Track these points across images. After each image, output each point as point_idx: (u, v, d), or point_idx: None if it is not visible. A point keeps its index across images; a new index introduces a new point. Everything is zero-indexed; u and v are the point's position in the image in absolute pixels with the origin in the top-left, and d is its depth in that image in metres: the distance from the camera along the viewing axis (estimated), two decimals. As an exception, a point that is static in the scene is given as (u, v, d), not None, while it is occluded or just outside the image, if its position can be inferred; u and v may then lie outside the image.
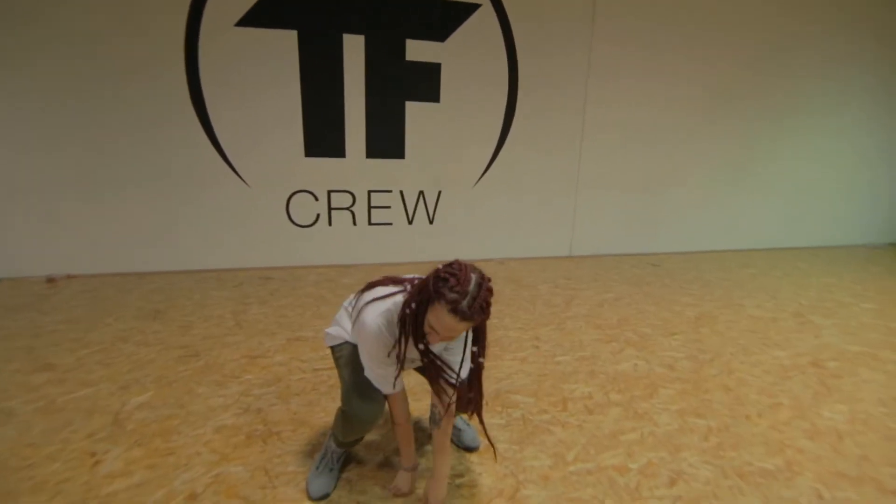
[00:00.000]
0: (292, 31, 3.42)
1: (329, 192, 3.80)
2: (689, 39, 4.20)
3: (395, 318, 1.22)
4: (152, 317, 2.79)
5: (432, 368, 1.25)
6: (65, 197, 3.40)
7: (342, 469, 1.52)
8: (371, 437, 1.70)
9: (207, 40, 3.34)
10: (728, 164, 4.69)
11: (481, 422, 1.33)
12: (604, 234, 4.57)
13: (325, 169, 3.73)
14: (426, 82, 3.76)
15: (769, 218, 5.00)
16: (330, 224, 3.86)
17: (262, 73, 3.47)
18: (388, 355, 1.25)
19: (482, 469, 1.55)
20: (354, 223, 3.90)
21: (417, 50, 3.68)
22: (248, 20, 3.35)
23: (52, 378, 2.08)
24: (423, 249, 4.10)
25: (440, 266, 1.13)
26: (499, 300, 3.21)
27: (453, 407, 1.32)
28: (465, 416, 1.71)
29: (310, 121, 3.62)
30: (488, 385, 2.07)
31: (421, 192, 4.01)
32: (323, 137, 3.69)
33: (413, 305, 1.14)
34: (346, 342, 1.40)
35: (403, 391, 1.35)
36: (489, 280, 1.13)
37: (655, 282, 3.81)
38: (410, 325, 1.15)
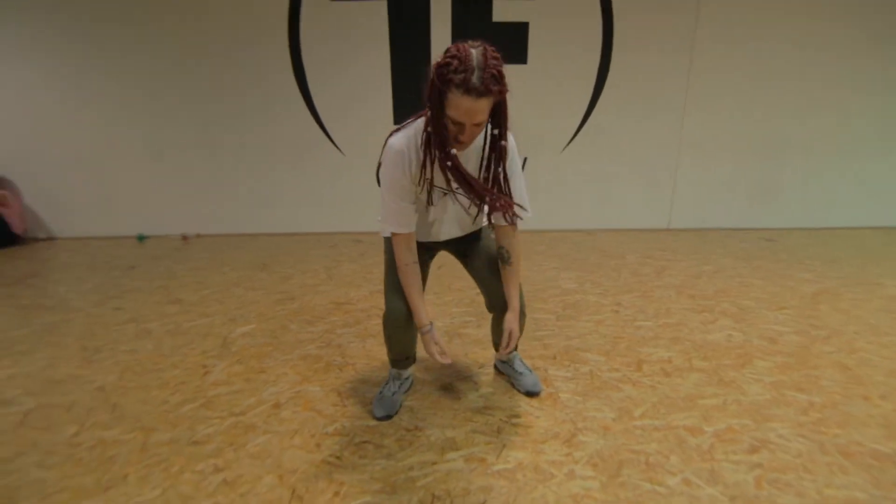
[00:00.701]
0: (382, 1, 3.55)
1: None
2: None
3: (420, 140, 1.21)
4: (259, 268, 3.15)
5: (464, 184, 1.21)
6: (195, 166, 3.95)
7: (406, 397, 1.62)
8: (431, 373, 1.77)
9: (307, 16, 3.60)
10: (870, 126, 3.93)
11: (511, 212, 1.31)
12: (709, 206, 4.14)
13: (412, 137, 3.86)
14: (513, 43, 3.67)
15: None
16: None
17: (355, 44, 3.66)
18: (411, 183, 1.26)
19: (541, 413, 1.54)
20: (439, 190, 4.00)
21: (505, 9, 3.60)
22: (343, -5, 3.54)
23: (180, 309, 2.46)
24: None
25: (433, 68, 1.09)
26: (580, 267, 3.10)
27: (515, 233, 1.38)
28: (515, 353, 1.72)
29: (398, 89, 3.76)
30: (557, 342, 2.04)
31: (506, 159, 3.97)
32: (411, 106, 3.79)
33: (430, 113, 1.12)
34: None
35: (413, 235, 1.35)
36: (493, 49, 1.08)
37: (769, 257, 3.37)
38: (434, 134, 1.13)
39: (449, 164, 1.17)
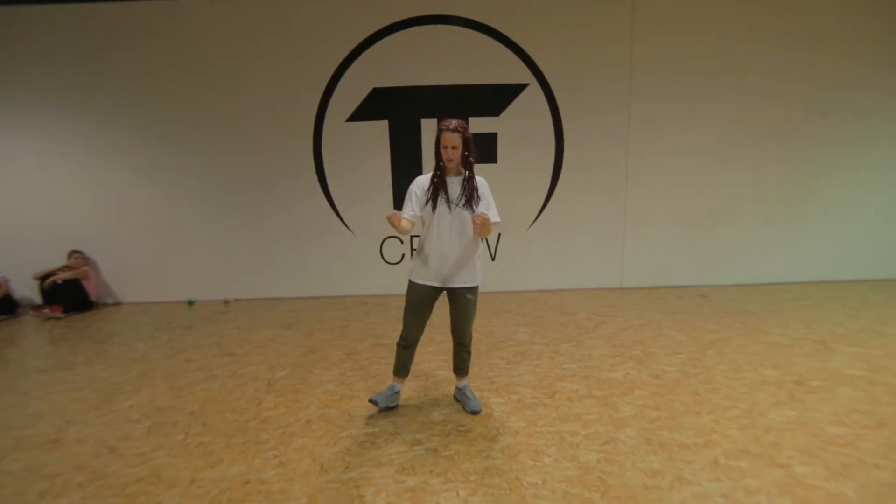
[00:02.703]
0: (385, 121, 4.69)
1: (412, 238, 4.92)
2: (731, 85, 4.64)
3: (431, 176, 2.35)
4: (287, 328, 4.07)
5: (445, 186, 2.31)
6: (235, 242, 4.98)
7: (392, 413, 2.47)
8: (412, 400, 2.62)
9: (328, 131, 4.74)
10: (783, 197, 4.87)
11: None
12: (654, 267, 5.03)
13: (408, 219, 4.88)
14: (486, 148, 4.74)
15: (833, 247, 4.98)
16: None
17: (363, 152, 4.76)
18: (421, 194, 2.33)
19: (476, 424, 2.38)
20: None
21: (478, 123, 4.70)
22: (355, 116, 4.69)
23: (233, 360, 3.37)
24: (487, 282, 4.96)
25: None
26: (537, 323, 3.96)
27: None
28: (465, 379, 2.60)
29: (397, 183, 4.81)
30: (502, 379, 2.89)
31: (484, 234, 4.95)
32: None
33: (435, 152, 2.33)
34: (410, 280, 2.43)
35: (412, 222, 2.31)
36: (461, 121, 2.28)
37: (693, 311, 4.21)
38: (436, 160, 2.32)
39: (438, 173, 2.30)
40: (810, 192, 4.88)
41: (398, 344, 2.49)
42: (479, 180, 2.35)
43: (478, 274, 2.41)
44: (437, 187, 2.30)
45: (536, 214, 4.92)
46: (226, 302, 5.00)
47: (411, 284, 2.41)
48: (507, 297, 4.80)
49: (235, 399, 2.75)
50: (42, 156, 4.81)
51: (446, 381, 2.88)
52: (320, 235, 4.95)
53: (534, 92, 4.68)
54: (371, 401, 2.49)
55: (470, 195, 2.29)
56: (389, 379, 2.69)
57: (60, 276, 4.73)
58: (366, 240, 4.95)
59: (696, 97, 4.68)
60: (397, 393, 2.55)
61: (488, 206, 2.33)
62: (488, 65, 4.62)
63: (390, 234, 4.93)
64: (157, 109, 4.72)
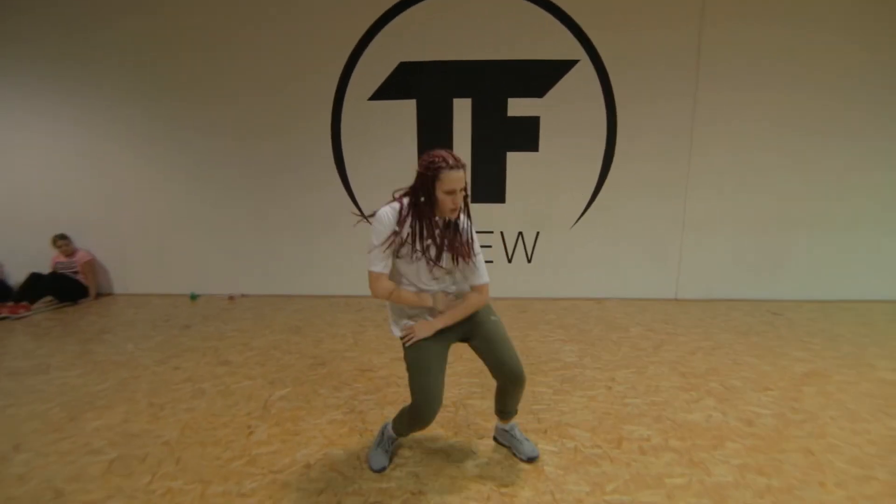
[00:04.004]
0: (412, 100, 4.12)
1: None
2: (814, 80, 3.94)
3: (398, 211, 1.70)
4: (294, 331, 3.57)
5: (454, 235, 1.71)
6: (243, 233, 4.51)
7: (413, 464, 1.92)
8: (436, 442, 2.07)
9: (348, 110, 4.20)
10: (871, 201, 4.14)
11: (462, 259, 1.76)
12: (715, 278, 4.36)
13: (434, 212, 4.31)
14: (526, 134, 4.14)
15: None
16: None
17: (387, 135, 4.22)
18: (389, 239, 1.68)
19: (526, 485, 1.81)
20: (458, 260, 4.40)
21: (518, 106, 4.10)
22: (378, 95, 4.14)
23: (228, 371, 2.87)
24: (521, 286, 4.40)
25: (419, 166, 1.66)
26: (584, 339, 3.37)
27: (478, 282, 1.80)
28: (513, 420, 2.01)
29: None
30: (550, 416, 2.31)
31: (520, 233, 4.36)
32: (434, 185, 4.28)
33: (422, 198, 1.65)
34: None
35: (388, 277, 1.75)
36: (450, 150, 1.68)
37: (769, 332, 3.55)
38: (427, 206, 1.65)
39: (438, 231, 1.70)
40: (908, 196, 4.13)
41: (410, 416, 1.76)
42: (465, 224, 1.78)
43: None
44: (421, 234, 1.70)
45: (581, 212, 4.30)
46: (231, 297, 4.55)
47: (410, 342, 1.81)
48: (545, 305, 4.21)
49: (222, 425, 2.24)
50: (32, 134, 4.42)
51: (482, 413, 2.32)
52: (336, 228, 4.43)
53: (584, 71, 4.05)
54: (377, 470, 1.89)
55: (463, 249, 1.74)
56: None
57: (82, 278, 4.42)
58: (387, 235, 4.41)
59: (772, 91, 3.97)
60: (395, 440, 1.99)
61: (476, 262, 1.80)
62: (532, 37, 4.01)
63: (414, 230, 4.37)
64: (159, 86, 4.27)
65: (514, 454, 1.98)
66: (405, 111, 4.15)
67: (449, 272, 1.80)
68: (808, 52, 3.90)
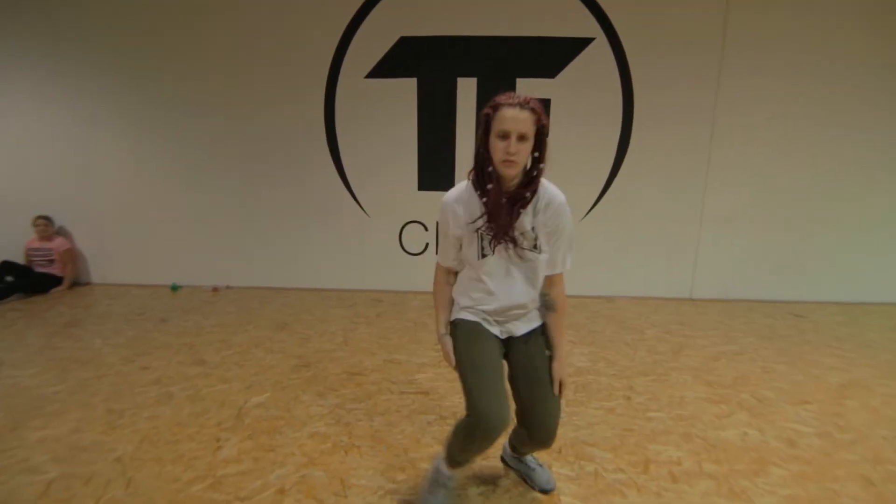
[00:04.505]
0: (412, 78, 3.80)
1: (437, 223, 4.04)
2: (842, 72, 3.64)
3: (463, 189, 1.41)
4: (280, 328, 3.27)
5: (506, 217, 1.33)
6: (229, 221, 4.19)
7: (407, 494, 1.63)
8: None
9: (343, 89, 3.88)
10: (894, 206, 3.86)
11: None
12: (733, 277, 4.07)
13: (435, 201, 3.97)
14: (535, 118, 3.82)
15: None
16: (437, 253, 4.10)
17: (385, 116, 3.89)
18: (459, 226, 1.39)
19: (540, 519, 1.53)
20: (459, 253, 4.09)
21: (527, 86, 3.78)
22: (376, 72, 3.81)
23: (202, 372, 2.57)
24: (525, 282, 4.10)
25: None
26: (595, 342, 3.08)
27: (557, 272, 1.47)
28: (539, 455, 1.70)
29: (424, 157, 3.94)
30: (564, 432, 2.02)
31: (525, 225, 4.04)
32: (435, 172, 3.97)
33: (477, 147, 1.36)
34: (456, 319, 1.50)
35: (455, 272, 1.54)
36: (535, 99, 1.31)
37: (795, 336, 3.27)
38: (483, 169, 1.33)
39: (489, 186, 1.33)
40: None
41: (474, 426, 1.30)
42: (558, 201, 1.37)
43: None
44: (492, 214, 1.34)
45: (592, 204, 4.00)
46: (215, 289, 4.24)
47: (462, 325, 1.47)
48: (551, 304, 3.91)
49: (187, 437, 1.94)
50: (7, 116, 4.08)
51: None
52: (329, 216, 4.12)
53: (600, 51, 3.73)
54: None
55: (544, 230, 1.37)
56: (405, 422, 1.85)
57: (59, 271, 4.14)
58: (383, 224, 4.10)
59: (799, 82, 3.66)
60: (453, 480, 1.55)
61: (566, 248, 1.45)
62: (544, 12, 3.68)
63: (413, 219, 4.07)
64: (142, 66, 3.93)
65: (527, 483, 1.68)
66: (405, 90, 3.82)
67: (511, 260, 1.39)
68: (838, 43, 3.59)
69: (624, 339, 3.16)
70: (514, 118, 1.25)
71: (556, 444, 1.90)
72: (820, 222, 3.92)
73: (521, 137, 1.26)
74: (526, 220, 1.36)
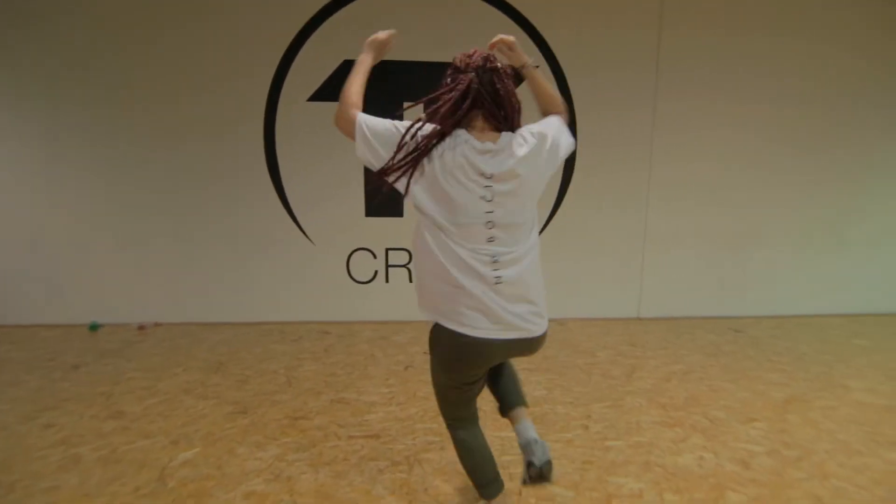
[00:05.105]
0: (357, 102, 3.70)
1: (387, 250, 3.92)
2: (776, 87, 3.91)
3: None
4: (215, 369, 2.98)
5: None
6: (157, 252, 3.85)
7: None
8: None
9: (283, 113, 3.72)
10: (826, 218, 4.17)
11: None
12: (676, 295, 4.21)
13: (383, 228, 3.87)
14: (482, 143, 3.82)
15: (879, 276, 4.31)
16: (387, 281, 3.96)
17: (329, 141, 3.74)
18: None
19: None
20: (410, 280, 3.96)
21: (474, 113, 3.78)
22: (319, 95, 3.68)
23: (119, 426, 2.26)
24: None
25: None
26: (550, 368, 3.03)
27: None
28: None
29: (370, 183, 3.82)
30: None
31: (476, 250, 4.00)
32: (383, 198, 3.85)
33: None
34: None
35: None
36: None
37: (737, 352, 3.39)
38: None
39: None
40: (859, 212, 4.19)
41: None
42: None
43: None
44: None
45: (541, 229, 4.01)
46: (141, 327, 3.84)
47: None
48: (505, 329, 3.86)
49: (95, 511, 1.67)
50: None
51: (442, 474, 1.89)
52: (270, 245, 3.87)
53: (540, 72, 3.80)
54: None
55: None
56: (354, 472, 1.69)
57: None
58: (329, 252, 3.91)
59: (734, 99, 3.91)
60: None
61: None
62: (486, 38, 3.70)
63: (360, 246, 3.91)
64: (66, 79, 3.56)
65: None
66: (349, 114, 3.72)
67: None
68: (770, 60, 3.87)
69: (577, 363, 3.14)
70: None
71: (514, 484, 1.80)
72: (754, 238, 4.15)
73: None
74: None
